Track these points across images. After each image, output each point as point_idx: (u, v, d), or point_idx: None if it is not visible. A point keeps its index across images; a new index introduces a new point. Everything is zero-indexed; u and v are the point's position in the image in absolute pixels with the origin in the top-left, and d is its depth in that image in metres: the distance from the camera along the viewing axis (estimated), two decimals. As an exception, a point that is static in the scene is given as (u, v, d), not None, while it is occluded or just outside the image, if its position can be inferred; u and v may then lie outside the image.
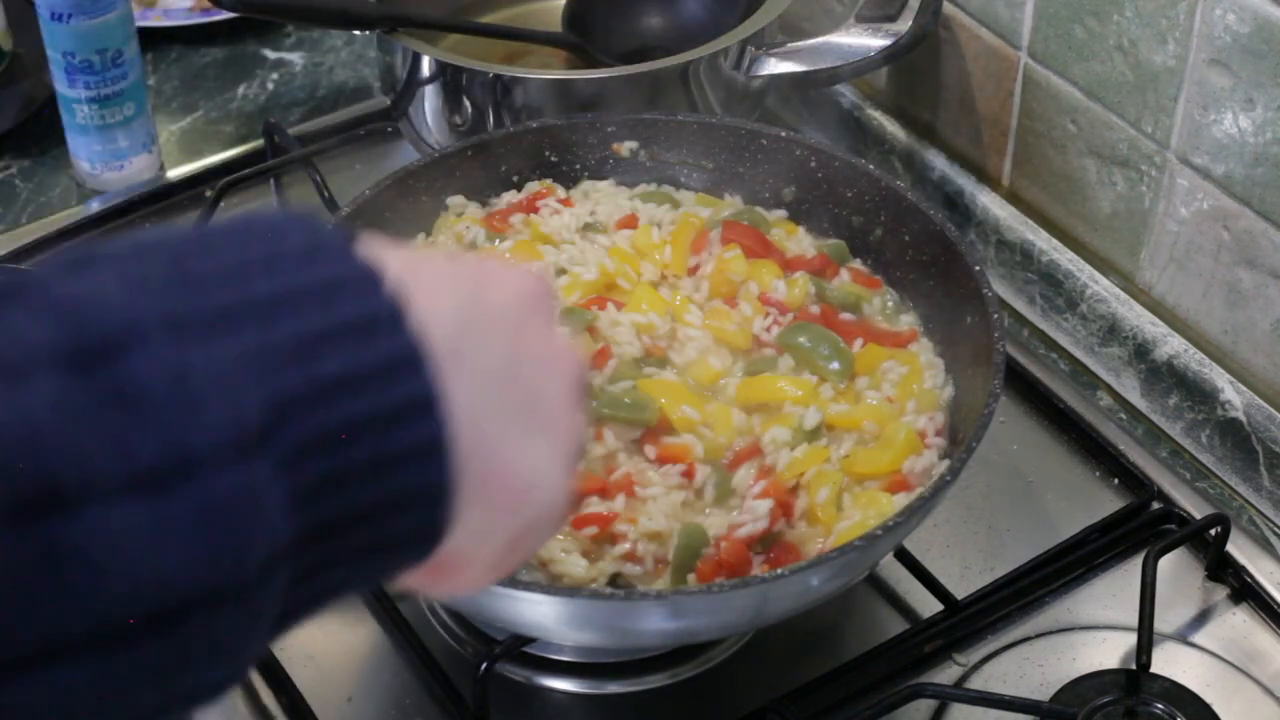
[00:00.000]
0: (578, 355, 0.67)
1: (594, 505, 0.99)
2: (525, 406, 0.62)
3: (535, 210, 1.18)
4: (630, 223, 1.18)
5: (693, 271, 1.15)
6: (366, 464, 0.55)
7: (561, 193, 1.21)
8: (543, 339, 0.64)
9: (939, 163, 1.39)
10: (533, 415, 0.62)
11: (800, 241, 1.18)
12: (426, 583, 0.65)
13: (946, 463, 1.03)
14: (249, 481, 0.52)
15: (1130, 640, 1.05)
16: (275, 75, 1.57)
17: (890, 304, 1.14)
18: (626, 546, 0.97)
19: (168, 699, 0.53)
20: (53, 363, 0.50)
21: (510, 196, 1.20)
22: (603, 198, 1.20)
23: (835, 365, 1.07)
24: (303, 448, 0.53)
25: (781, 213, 1.20)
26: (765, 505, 0.99)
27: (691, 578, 0.96)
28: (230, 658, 0.54)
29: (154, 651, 0.50)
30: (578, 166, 1.22)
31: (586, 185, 1.22)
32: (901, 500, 1.00)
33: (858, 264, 1.17)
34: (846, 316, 1.12)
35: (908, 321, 1.13)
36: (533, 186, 1.21)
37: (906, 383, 1.07)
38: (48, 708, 0.49)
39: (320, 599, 0.57)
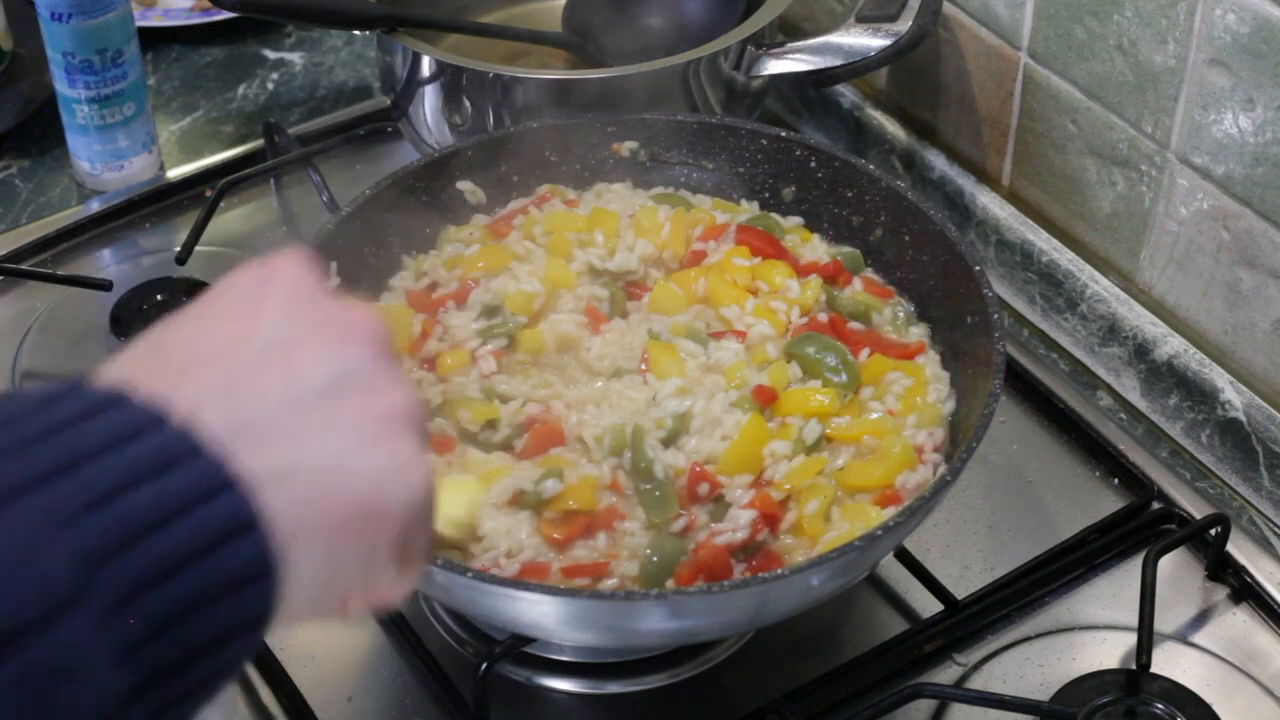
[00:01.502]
0: (362, 327, 0.64)
1: (580, 550, 0.98)
2: (326, 424, 0.60)
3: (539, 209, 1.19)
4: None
5: (696, 257, 1.14)
6: (190, 599, 0.55)
7: (571, 194, 1.21)
8: (315, 353, 0.62)
9: (939, 163, 1.39)
10: (337, 427, 0.61)
11: (815, 249, 1.17)
12: (336, 614, 0.65)
13: (945, 464, 1.03)
14: (67, 645, 0.51)
15: (1130, 640, 1.05)
16: (275, 75, 1.57)
17: (901, 315, 1.14)
18: (614, 581, 0.97)
19: None
20: None
21: (516, 204, 1.20)
22: (614, 198, 1.20)
23: (842, 378, 1.06)
24: (119, 600, 0.53)
25: (797, 220, 1.20)
26: (748, 515, 0.98)
27: (670, 583, 0.96)
28: None
29: None
30: (578, 166, 1.22)
31: (600, 186, 1.22)
32: (891, 514, 0.99)
33: (870, 273, 1.17)
34: (855, 326, 1.11)
35: (917, 334, 1.13)
36: (540, 190, 1.21)
37: (910, 395, 1.07)
38: None
39: None
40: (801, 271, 1.14)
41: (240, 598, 0.56)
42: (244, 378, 0.60)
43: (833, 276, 1.14)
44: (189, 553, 0.54)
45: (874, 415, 1.05)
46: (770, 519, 0.99)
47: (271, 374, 0.60)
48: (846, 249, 1.17)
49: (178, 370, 0.60)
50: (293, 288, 0.64)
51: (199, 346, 0.61)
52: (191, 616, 0.55)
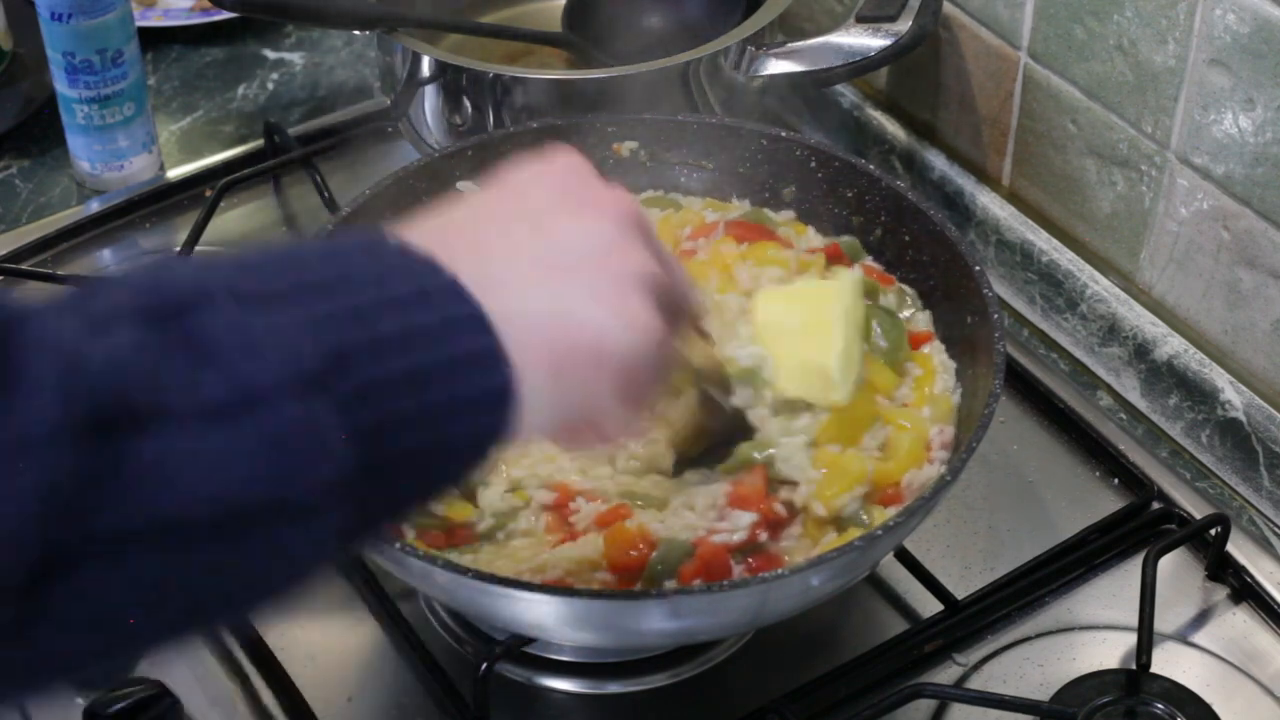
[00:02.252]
0: (617, 205, 0.74)
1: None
2: (565, 279, 0.70)
3: None
4: None
5: (685, 256, 1.14)
6: (425, 410, 0.63)
7: None
8: (568, 224, 0.72)
9: (939, 163, 1.39)
10: (573, 283, 0.70)
11: (810, 240, 1.17)
12: (568, 443, 0.79)
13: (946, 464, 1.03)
14: (307, 416, 0.60)
15: (1130, 640, 1.05)
16: (275, 75, 1.57)
17: (907, 300, 1.14)
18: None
19: (238, 597, 0.63)
20: (132, 317, 0.59)
21: None
22: None
23: (883, 344, 1.07)
24: (362, 392, 0.62)
25: (789, 214, 1.20)
26: (748, 518, 0.98)
27: (670, 583, 0.96)
28: (294, 568, 0.63)
29: (220, 553, 0.59)
30: (578, 166, 1.22)
31: None
32: (890, 515, 0.99)
33: (870, 261, 1.17)
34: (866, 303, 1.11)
35: (923, 320, 1.13)
36: None
37: (920, 385, 1.07)
38: (122, 589, 0.58)
39: (387, 518, 0.68)
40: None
41: (477, 418, 0.66)
42: (501, 241, 0.70)
43: (833, 259, 1.14)
44: (434, 373, 0.64)
45: (905, 405, 1.05)
46: (769, 524, 0.99)
47: (525, 239, 0.71)
48: (845, 238, 1.17)
49: (447, 233, 0.70)
50: (562, 172, 0.75)
51: (470, 217, 0.73)
52: (427, 427, 0.64)
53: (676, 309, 0.76)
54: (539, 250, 0.71)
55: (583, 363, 0.70)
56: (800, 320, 1.03)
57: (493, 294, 0.66)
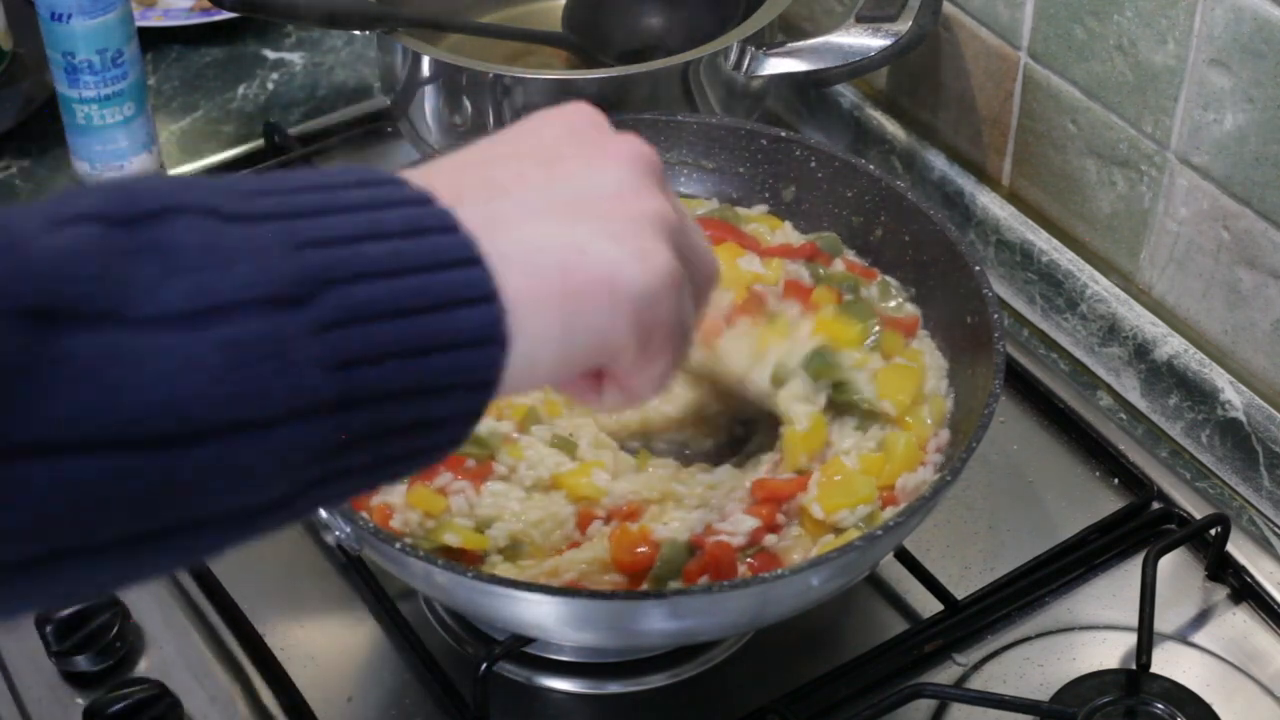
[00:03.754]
0: (631, 150, 0.71)
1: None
2: (577, 217, 0.67)
3: None
4: None
5: None
6: (406, 341, 0.60)
7: None
8: (580, 165, 0.69)
9: (939, 163, 1.39)
10: (585, 220, 0.67)
11: (786, 234, 1.17)
12: (587, 395, 0.73)
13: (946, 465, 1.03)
14: (274, 333, 0.57)
15: (1130, 640, 1.05)
16: (275, 75, 1.57)
17: (892, 290, 1.14)
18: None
19: (188, 516, 0.57)
20: (98, 218, 0.56)
21: None
22: None
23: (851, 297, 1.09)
24: (341, 318, 0.59)
25: (762, 208, 1.20)
26: (750, 523, 0.98)
27: (673, 583, 0.96)
28: (253, 492, 0.58)
29: (168, 464, 0.55)
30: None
31: None
32: (889, 515, 0.99)
33: (852, 255, 1.16)
34: (850, 300, 1.11)
35: (908, 311, 1.13)
36: None
37: (912, 380, 1.07)
38: (56, 496, 0.54)
39: (374, 469, 0.62)
40: (767, 254, 1.14)
41: (464, 358, 0.62)
42: (511, 180, 0.67)
43: (810, 258, 1.14)
44: (421, 305, 0.60)
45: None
46: (770, 525, 0.99)
47: (536, 179, 0.68)
48: (825, 233, 1.17)
49: (452, 172, 0.67)
50: (573, 120, 0.72)
51: (479, 158, 0.69)
52: (411, 359, 0.60)
53: (690, 260, 0.72)
54: (551, 189, 0.68)
55: (596, 299, 0.66)
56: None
57: (499, 230, 0.64)
